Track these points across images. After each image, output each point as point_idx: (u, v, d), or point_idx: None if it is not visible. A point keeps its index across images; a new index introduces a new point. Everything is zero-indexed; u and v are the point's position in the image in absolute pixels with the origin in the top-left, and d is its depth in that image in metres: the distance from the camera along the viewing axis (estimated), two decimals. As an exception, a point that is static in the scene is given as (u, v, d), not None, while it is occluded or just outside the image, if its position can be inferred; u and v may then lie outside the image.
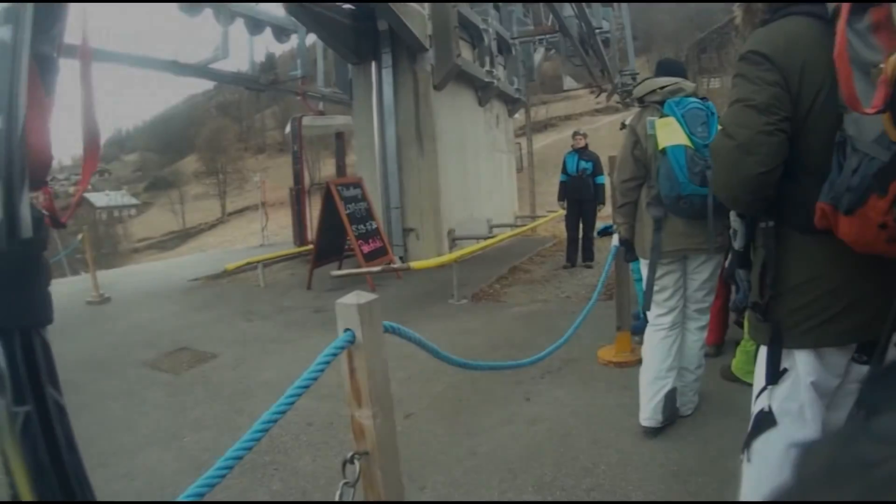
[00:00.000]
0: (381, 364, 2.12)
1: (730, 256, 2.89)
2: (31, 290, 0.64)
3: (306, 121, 18.04)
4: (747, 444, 2.64)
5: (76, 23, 0.76)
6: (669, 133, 4.36)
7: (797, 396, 2.51)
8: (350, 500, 2.06)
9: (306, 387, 2.03)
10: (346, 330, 2.04)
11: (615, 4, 26.28)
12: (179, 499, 1.69)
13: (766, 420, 2.58)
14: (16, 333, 0.62)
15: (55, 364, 0.64)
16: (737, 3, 2.72)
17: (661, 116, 4.47)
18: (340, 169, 20.07)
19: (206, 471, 1.77)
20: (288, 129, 18.69)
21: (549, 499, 4.00)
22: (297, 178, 17.79)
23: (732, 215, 2.70)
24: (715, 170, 2.60)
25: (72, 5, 0.69)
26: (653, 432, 4.72)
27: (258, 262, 13.52)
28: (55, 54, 0.68)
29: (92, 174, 0.82)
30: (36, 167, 0.65)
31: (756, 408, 2.65)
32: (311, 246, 15.81)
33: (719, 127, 4.22)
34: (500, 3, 19.02)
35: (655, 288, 4.72)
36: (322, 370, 2.04)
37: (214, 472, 1.78)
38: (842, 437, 0.45)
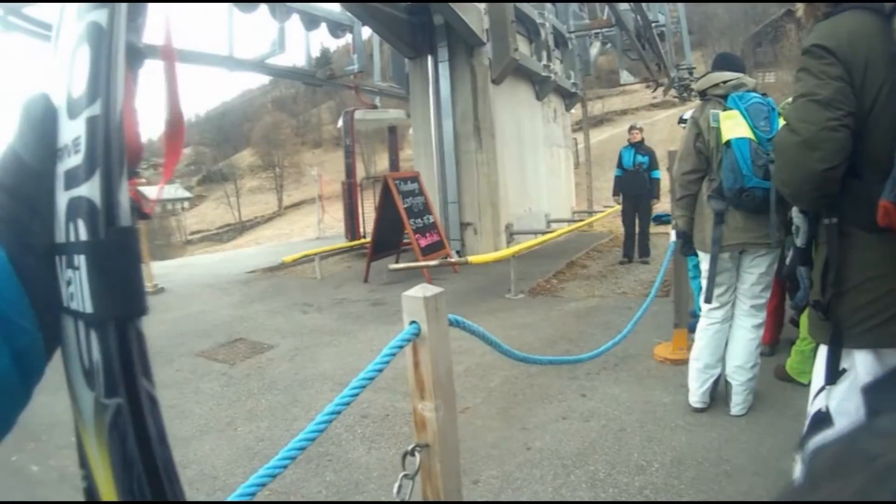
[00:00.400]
0: (446, 357, 2.12)
1: (791, 253, 2.84)
2: (128, 280, 0.63)
3: (358, 114, 18.01)
4: (802, 445, 2.59)
5: (158, 16, 0.75)
6: (734, 126, 4.38)
7: (855, 397, 2.45)
8: (409, 492, 2.05)
9: (371, 378, 2.03)
10: (412, 322, 2.04)
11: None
12: (245, 486, 1.70)
13: (823, 421, 2.53)
14: (110, 324, 0.61)
15: (149, 355, 0.63)
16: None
17: (724, 110, 4.50)
18: (394, 163, 20.17)
19: (260, 460, 1.78)
20: (340, 122, 18.70)
21: (602, 496, 3.97)
22: (350, 171, 17.79)
23: (795, 212, 2.67)
24: (778, 165, 2.56)
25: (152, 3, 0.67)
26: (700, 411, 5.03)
27: (315, 254, 13.59)
28: (140, 45, 0.67)
29: (175, 165, 0.81)
30: (129, 156, 0.63)
31: (813, 408, 2.61)
32: (363, 240, 15.90)
33: (781, 122, 4.25)
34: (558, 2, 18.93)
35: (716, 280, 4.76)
36: (387, 362, 2.05)
37: (277, 462, 1.79)
38: (846, 437, 0.46)
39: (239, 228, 62.79)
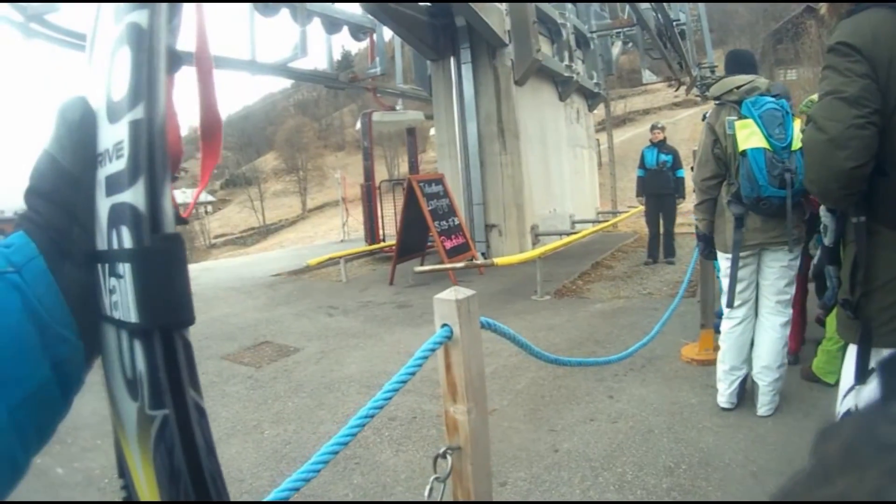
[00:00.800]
0: (478, 359, 2.12)
1: (819, 252, 2.83)
2: (175, 288, 0.62)
3: (376, 116, 17.98)
4: None
5: (192, 18, 0.74)
6: (749, 135, 4.44)
7: None
8: (440, 494, 2.04)
9: (404, 382, 2.03)
10: (444, 325, 2.03)
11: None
12: (278, 490, 1.70)
13: None
14: (156, 334, 0.60)
15: (196, 365, 0.61)
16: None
17: (739, 117, 4.55)
18: (413, 165, 20.11)
19: (287, 463, 1.79)
20: (358, 125, 18.70)
21: (630, 498, 3.96)
22: (368, 174, 17.75)
23: (823, 210, 2.68)
24: (806, 164, 2.56)
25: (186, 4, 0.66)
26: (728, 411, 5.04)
27: (340, 257, 13.63)
28: (176, 47, 0.66)
29: (212, 171, 0.80)
30: (170, 160, 0.63)
31: (842, 408, 2.59)
32: (382, 243, 15.91)
33: (796, 121, 4.40)
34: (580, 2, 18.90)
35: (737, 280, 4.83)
36: (420, 365, 2.05)
37: (311, 466, 1.79)
38: (859, 420, 0.43)
39: (263, 232, 62.98)
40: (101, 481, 4.63)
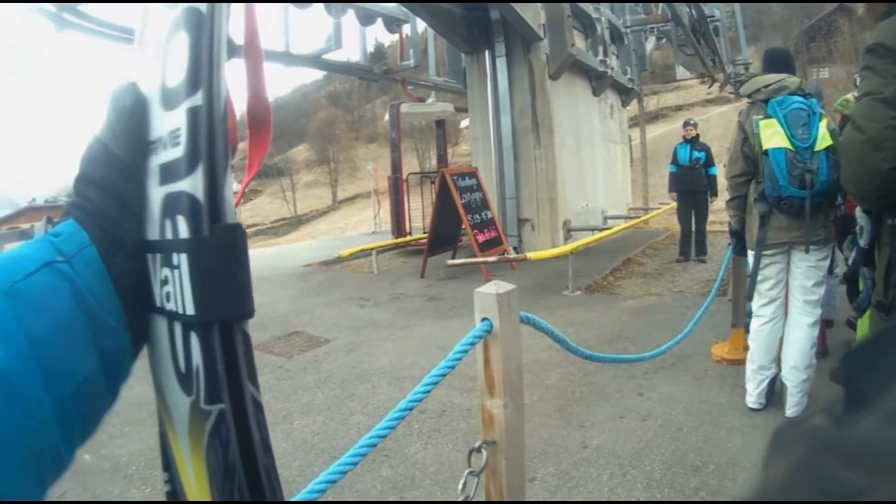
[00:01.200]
0: (516, 354, 2.12)
1: (853, 254, 2.82)
2: (235, 281, 0.60)
3: (404, 108, 17.83)
4: None
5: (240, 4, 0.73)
6: (772, 135, 4.48)
7: None
8: (473, 489, 2.05)
9: (443, 375, 2.03)
10: (484, 319, 2.03)
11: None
12: (315, 482, 1.70)
13: None
14: (215, 327, 0.58)
15: (254, 359, 0.60)
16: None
17: (765, 116, 4.58)
18: (441, 157, 19.92)
19: (316, 454, 1.79)
20: (386, 116, 18.59)
21: (658, 497, 3.95)
22: (395, 166, 17.53)
23: (858, 211, 2.68)
24: (843, 163, 2.55)
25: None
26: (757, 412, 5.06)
27: (372, 249, 13.69)
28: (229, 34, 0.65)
29: (261, 159, 0.79)
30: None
31: None
32: (408, 237, 15.89)
33: (823, 121, 4.42)
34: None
35: (759, 277, 4.88)
36: (459, 359, 2.05)
37: (348, 459, 1.80)
38: (811, 433, 0.39)
39: (294, 222, 63.19)
40: (129, 468, 4.67)
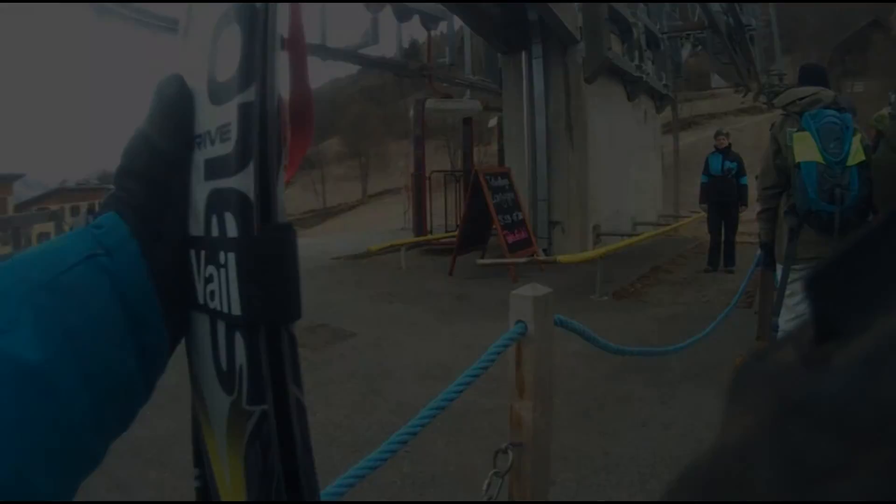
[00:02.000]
0: (550, 357, 2.12)
1: None
2: (285, 282, 0.58)
3: (430, 104, 17.38)
4: None
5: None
6: (804, 149, 4.45)
7: None
8: (497, 490, 2.05)
9: (476, 376, 2.04)
10: (518, 322, 2.03)
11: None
12: (343, 477, 1.70)
13: None
14: (261, 328, 0.57)
15: (300, 360, 0.59)
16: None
17: (799, 129, 4.55)
18: (467, 156, 19.64)
19: (338, 447, 1.80)
20: (412, 112, 18.20)
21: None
22: (419, 163, 17.29)
23: None
24: (877, 181, 2.52)
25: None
26: None
27: (402, 244, 13.70)
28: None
29: (303, 155, 0.78)
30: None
31: None
32: (429, 235, 15.84)
33: (856, 136, 4.40)
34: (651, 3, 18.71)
35: (787, 292, 4.83)
36: (493, 360, 2.05)
37: (377, 455, 1.80)
38: (779, 392, 0.31)
39: (322, 214, 63.47)
40: (149, 452, 4.69)
